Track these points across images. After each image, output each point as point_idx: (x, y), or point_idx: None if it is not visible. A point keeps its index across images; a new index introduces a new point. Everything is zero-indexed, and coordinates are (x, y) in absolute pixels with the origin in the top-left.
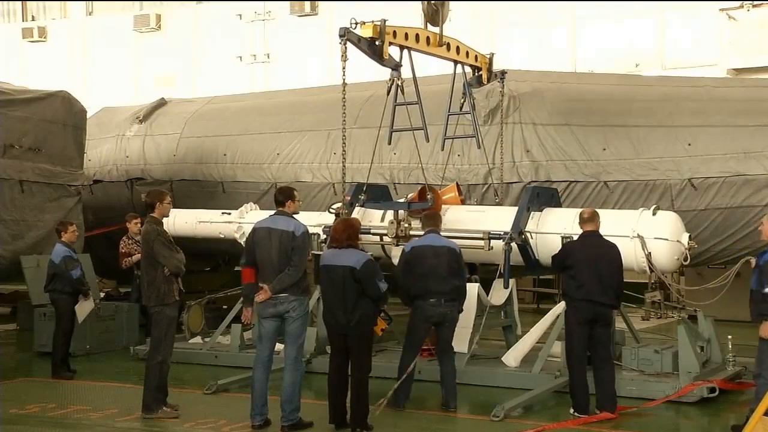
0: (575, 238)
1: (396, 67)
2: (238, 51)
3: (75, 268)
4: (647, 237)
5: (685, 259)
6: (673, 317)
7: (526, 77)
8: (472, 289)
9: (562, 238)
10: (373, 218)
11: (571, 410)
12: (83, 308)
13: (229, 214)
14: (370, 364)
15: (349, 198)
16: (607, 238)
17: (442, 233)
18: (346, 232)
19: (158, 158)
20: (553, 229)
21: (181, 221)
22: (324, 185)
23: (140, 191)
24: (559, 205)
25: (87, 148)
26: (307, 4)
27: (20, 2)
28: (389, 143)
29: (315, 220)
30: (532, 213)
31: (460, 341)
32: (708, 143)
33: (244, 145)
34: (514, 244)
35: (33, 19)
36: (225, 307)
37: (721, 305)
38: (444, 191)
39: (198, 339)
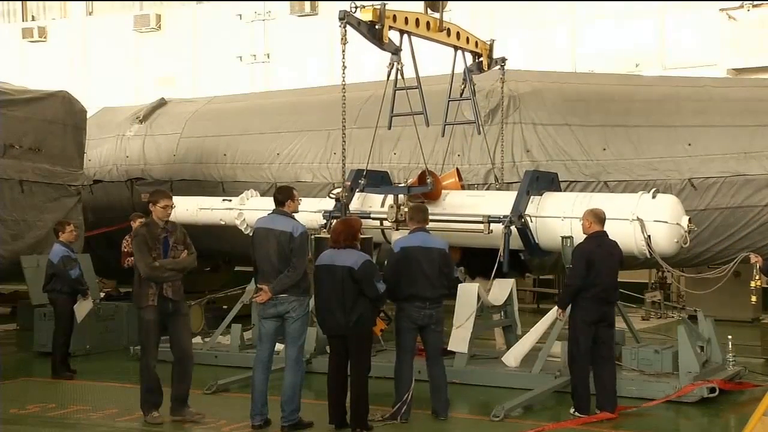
0: (574, 238)
1: (396, 51)
2: (238, 51)
3: (73, 267)
4: (647, 220)
5: (685, 242)
6: (673, 317)
7: (526, 77)
8: (472, 288)
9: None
10: (373, 203)
11: (572, 410)
12: (82, 308)
13: (230, 200)
14: (369, 364)
15: (349, 183)
16: (607, 220)
17: (440, 218)
18: (344, 233)
19: (158, 158)
20: (553, 212)
21: (182, 208)
22: (324, 185)
23: (140, 191)
24: (559, 189)
25: (87, 148)
26: (307, 4)
27: (20, 2)
28: (389, 128)
29: (316, 206)
30: (531, 197)
31: (460, 341)
32: (708, 143)
33: (244, 145)
34: (513, 228)
35: (33, 19)
36: (225, 307)
37: (721, 305)
38: (444, 176)
39: (198, 339)
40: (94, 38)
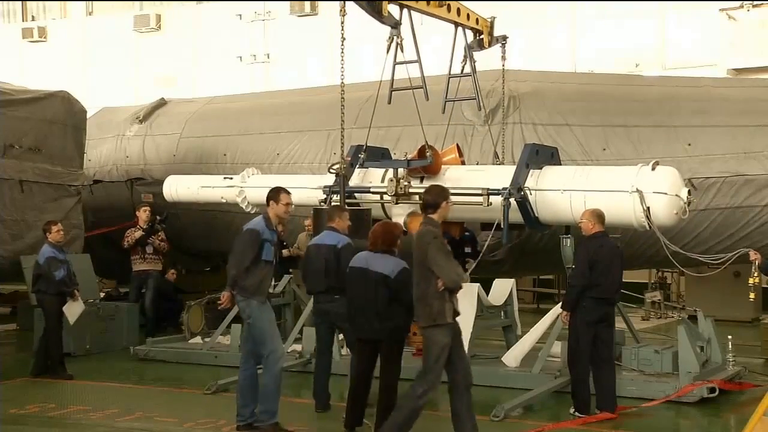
0: (571, 236)
1: (395, 25)
2: (238, 51)
3: (58, 269)
4: (646, 192)
5: (684, 214)
6: (673, 317)
7: (526, 77)
8: (473, 288)
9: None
10: (373, 179)
11: (572, 410)
12: (72, 309)
13: (231, 178)
14: (399, 370)
15: (349, 159)
16: (606, 193)
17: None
18: (382, 237)
19: (158, 158)
20: (553, 186)
21: (184, 187)
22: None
23: (140, 191)
24: (558, 164)
25: (87, 148)
26: (307, 4)
27: (20, 2)
28: (389, 102)
29: (316, 183)
30: (531, 171)
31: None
32: (708, 143)
33: (244, 145)
34: (513, 201)
35: (33, 19)
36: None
37: (721, 305)
38: (444, 152)
39: (198, 339)
40: (94, 38)
